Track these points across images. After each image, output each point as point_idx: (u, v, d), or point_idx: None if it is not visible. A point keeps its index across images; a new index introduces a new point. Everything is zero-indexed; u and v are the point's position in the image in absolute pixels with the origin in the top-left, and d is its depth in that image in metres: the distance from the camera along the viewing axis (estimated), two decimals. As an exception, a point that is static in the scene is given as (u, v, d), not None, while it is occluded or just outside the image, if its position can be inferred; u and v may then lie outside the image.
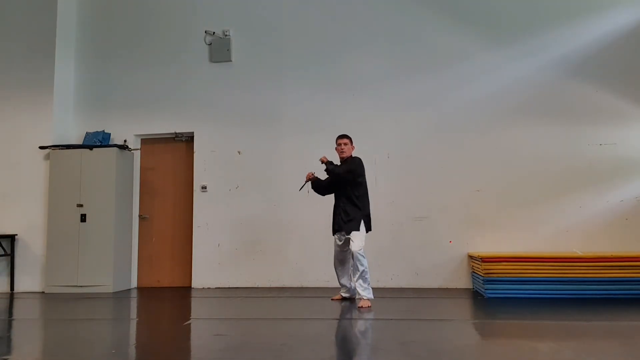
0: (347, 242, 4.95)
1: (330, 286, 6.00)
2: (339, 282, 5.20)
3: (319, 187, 5.27)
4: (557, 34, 6.11)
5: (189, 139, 6.79)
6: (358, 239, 4.83)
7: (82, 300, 5.54)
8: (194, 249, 6.47)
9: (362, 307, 4.62)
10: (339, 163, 5.11)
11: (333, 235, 5.12)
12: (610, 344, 3.40)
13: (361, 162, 5.04)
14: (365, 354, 3.34)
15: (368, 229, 4.98)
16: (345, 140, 5.10)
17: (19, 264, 6.43)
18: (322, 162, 5.04)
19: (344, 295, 5.16)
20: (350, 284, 5.09)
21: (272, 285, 6.26)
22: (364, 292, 4.77)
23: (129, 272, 6.56)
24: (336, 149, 5.12)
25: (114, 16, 7.04)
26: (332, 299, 5.16)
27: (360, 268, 4.74)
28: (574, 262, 5.21)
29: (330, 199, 5.19)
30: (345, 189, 4.97)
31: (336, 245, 5.10)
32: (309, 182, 5.20)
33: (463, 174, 6.07)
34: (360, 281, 4.77)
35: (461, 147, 6.11)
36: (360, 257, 4.75)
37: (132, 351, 3.44)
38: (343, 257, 5.08)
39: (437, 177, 6.11)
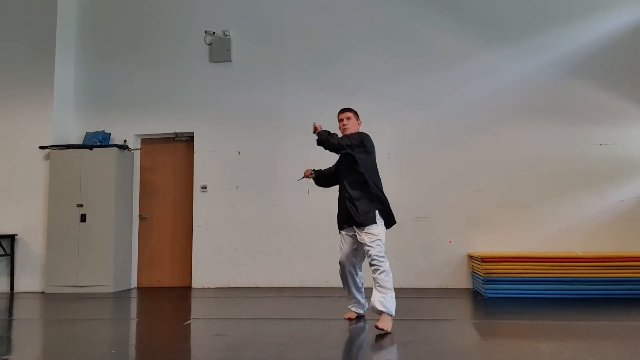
0: (358, 241, 3.95)
1: (329, 286, 6.00)
2: (349, 294, 4.18)
3: (322, 177, 4.34)
4: (557, 34, 6.11)
5: (189, 139, 6.79)
6: (377, 235, 3.83)
7: (82, 300, 5.54)
8: (194, 249, 6.47)
9: (381, 327, 3.62)
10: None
11: (340, 232, 4.11)
12: (610, 344, 3.40)
13: (368, 137, 4.04)
14: (366, 354, 3.34)
15: (388, 222, 4.01)
16: (349, 114, 4.14)
17: (19, 264, 6.43)
18: (316, 132, 4.04)
19: (357, 311, 4.18)
20: (362, 296, 4.17)
21: (272, 285, 6.25)
22: (384, 305, 3.72)
23: (129, 272, 6.56)
24: (339, 127, 4.20)
25: (114, 16, 7.04)
26: (345, 318, 4.17)
27: (382, 276, 3.75)
28: (574, 262, 5.20)
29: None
30: (349, 171, 3.99)
31: (343, 244, 4.07)
32: (307, 178, 4.38)
33: (463, 174, 6.07)
34: (382, 290, 3.75)
35: (461, 147, 6.11)
36: (379, 262, 3.76)
37: (132, 351, 3.44)
38: (355, 257, 4.09)
39: (437, 177, 6.11)
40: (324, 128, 4.05)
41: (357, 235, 3.90)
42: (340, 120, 4.18)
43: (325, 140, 3.94)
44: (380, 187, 4.00)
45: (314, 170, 4.38)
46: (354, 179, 3.96)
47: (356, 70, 6.41)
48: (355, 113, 4.23)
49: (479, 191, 6.04)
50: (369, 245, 3.79)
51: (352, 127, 4.11)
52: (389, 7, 6.43)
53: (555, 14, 6.16)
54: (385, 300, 3.70)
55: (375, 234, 3.82)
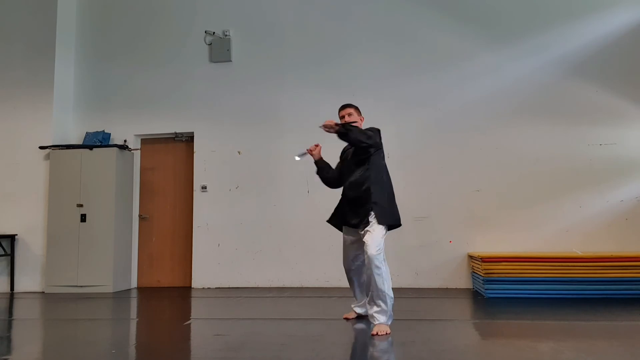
0: (360, 241, 3.81)
1: (330, 286, 6.00)
2: (354, 295, 4.13)
3: (328, 176, 4.04)
4: (557, 34, 6.11)
5: (189, 139, 6.79)
6: (375, 237, 3.63)
7: (82, 300, 5.54)
8: (194, 249, 6.47)
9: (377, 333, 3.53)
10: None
11: (340, 230, 4.03)
12: (610, 344, 3.40)
13: (380, 132, 3.90)
14: (366, 354, 3.34)
15: (393, 224, 3.82)
16: (350, 110, 3.94)
17: (19, 264, 6.43)
18: (329, 129, 3.69)
19: (359, 311, 4.11)
20: (366, 297, 3.91)
21: (272, 285, 6.25)
22: (380, 315, 3.64)
23: (129, 272, 6.56)
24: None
25: (114, 16, 7.04)
26: (344, 317, 4.13)
27: (378, 280, 3.57)
28: (574, 262, 5.20)
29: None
30: (356, 166, 3.83)
31: (346, 243, 3.98)
32: (306, 155, 4.07)
33: (463, 174, 6.07)
34: (378, 300, 3.62)
35: (461, 147, 6.11)
36: (378, 265, 3.57)
37: (132, 351, 3.43)
38: (358, 260, 3.95)
39: (437, 177, 6.11)
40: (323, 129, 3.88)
41: (362, 235, 3.74)
42: (342, 117, 3.99)
43: (363, 134, 3.70)
44: (384, 186, 3.83)
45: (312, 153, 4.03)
46: (360, 177, 3.79)
47: (356, 70, 6.41)
48: (357, 108, 4.03)
49: (478, 191, 6.04)
50: (367, 245, 3.61)
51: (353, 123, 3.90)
52: (388, 7, 6.43)
53: (555, 14, 6.16)
54: (380, 310, 3.63)
55: (374, 233, 3.64)
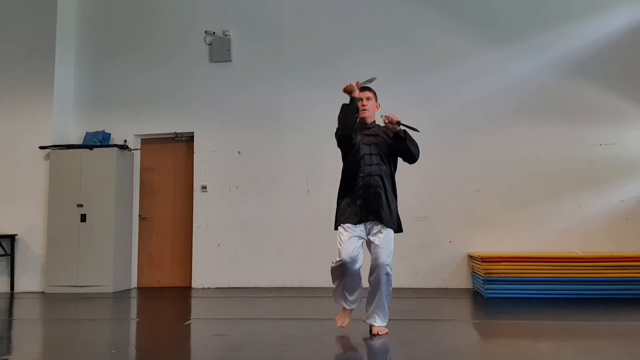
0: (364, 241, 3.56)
1: (330, 286, 5.95)
2: (350, 296, 3.75)
3: (351, 122, 3.67)
4: (557, 34, 6.11)
5: (189, 139, 6.79)
6: (388, 243, 3.51)
7: (82, 300, 5.55)
8: (194, 249, 6.47)
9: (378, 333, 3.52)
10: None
11: (355, 224, 3.53)
12: (610, 344, 3.40)
13: None
14: (366, 354, 3.34)
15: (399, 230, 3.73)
16: (369, 94, 3.78)
17: (19, 264, 6.43)
18: (390, 124, 3.61)
19: (353, 306, 3.81)
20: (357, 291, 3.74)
21: (272, 285, 6.25)
22: (382, 316, 3.57)
23: (129, 272, 6.56)
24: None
25: (114, 16, 7.04)
26: (340, 326, 3.73)
27: (388, 284, 3.49)
28: (574, 262, 5.21)
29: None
30: (390, 164, 3.78)
31: (353, 240, 3.50)
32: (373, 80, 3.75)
33: (463, 174, 6.07)
34: (382, 303, 3.51)
35: (461, 147, 6.11)
36: (390, 272, 3.47)
37: (132, 351, 3.43)
38: (359, 260, 3.55)
39: (437, 177, 6.11)
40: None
41: (373, 233, 3.52)
42: (359, 100, 3.78)
43: (416, 148, 3.80)
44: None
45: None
46: (385, 174, 3.74)
47: (356, 70, 6.37)
48: (375, 94, 3.87)
49: (479, 191, 6.04)
50: (379, 251, 3.44)
51: (371, 109, 3.80)
52: (389, 7, 6.43)
53: (555, 14, 6.16)
54: (382, 311, 3.56)
55: (387, 238, 3.52)
